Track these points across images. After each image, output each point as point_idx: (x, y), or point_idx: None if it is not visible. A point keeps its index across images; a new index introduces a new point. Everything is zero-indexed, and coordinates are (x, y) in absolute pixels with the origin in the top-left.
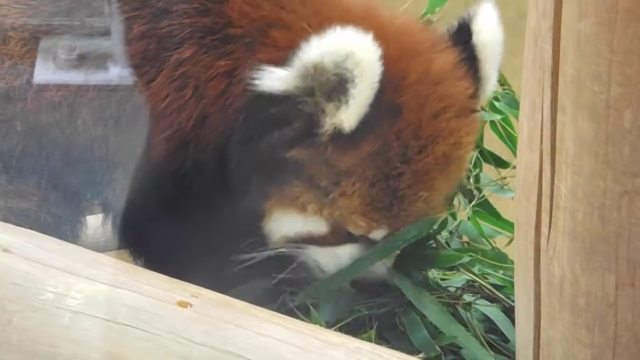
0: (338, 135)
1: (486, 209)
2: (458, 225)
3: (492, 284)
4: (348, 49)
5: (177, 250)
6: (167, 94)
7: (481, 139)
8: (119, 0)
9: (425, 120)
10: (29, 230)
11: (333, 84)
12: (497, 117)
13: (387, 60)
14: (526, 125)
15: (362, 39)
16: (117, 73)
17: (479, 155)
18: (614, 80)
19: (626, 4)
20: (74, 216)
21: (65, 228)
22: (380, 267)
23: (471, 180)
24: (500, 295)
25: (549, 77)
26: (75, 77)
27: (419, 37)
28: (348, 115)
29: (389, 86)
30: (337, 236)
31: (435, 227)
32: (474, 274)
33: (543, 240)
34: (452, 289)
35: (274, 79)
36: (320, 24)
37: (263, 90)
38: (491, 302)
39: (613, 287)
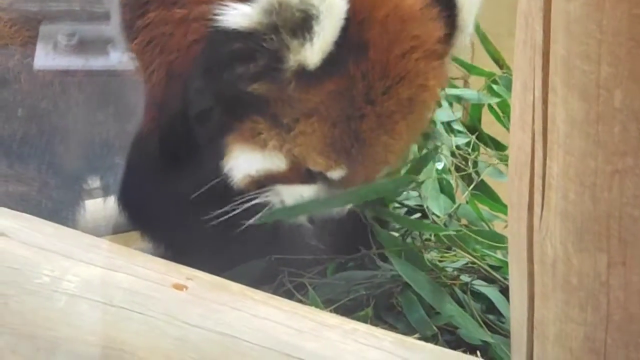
0: (302, 72)
1: (485, 193)
2: (457, 208)
3: (489, 265)
4: None
5: (181, 221)
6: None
7: (479, 122)
8: None
9: (392, 59)
10: (26, 215)
11: (298, 20)
12: (495, 101)
13: None
14: (518, 106)
15: None
16: (113, 55)
17: (477, 139)
18: (604, 60)
19: None
20: (73, 200)
21: (65, 212)
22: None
23: (469, 164)
24: (498, 276)
25: (540, 58)
26: (69, 59)
27: None
28: (312, 52)
29: (356, 22)
30: (295, 173)
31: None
32: (471, 254)
33: (536, 220)
34: (449, 270)
35: (237, 15)
36: None
37: (226, 27)
38: (489, 282)
39: (605, 266)
